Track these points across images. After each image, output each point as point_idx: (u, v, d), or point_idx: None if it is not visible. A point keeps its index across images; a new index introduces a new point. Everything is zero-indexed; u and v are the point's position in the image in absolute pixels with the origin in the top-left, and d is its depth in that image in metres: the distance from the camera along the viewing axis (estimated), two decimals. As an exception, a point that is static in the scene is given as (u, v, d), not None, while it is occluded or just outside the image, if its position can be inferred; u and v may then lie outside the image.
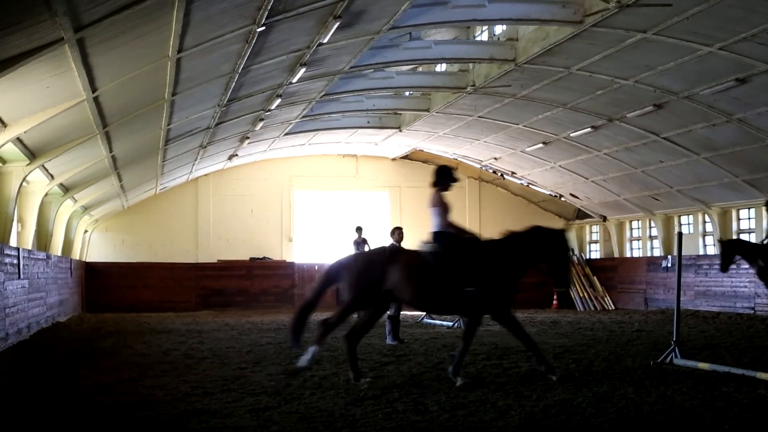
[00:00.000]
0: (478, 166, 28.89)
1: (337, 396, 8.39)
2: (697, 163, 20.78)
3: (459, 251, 9.35)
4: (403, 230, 15.52)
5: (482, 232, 33.18)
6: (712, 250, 23.95)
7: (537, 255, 9.55)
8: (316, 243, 29.67)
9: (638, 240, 28.07)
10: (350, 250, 22.91)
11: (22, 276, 14.58)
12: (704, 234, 24.62)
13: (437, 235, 9.56)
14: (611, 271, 28.30)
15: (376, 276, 9.26)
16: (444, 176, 9.80)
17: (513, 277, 9.52)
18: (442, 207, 9.62)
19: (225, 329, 17.93)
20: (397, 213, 29.61)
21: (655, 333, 16.20)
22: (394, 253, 9.60)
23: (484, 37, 20.30)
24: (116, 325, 19.40)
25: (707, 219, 24.16)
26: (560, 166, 25.41)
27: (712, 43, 14.28)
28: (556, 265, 9.56)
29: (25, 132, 12.02)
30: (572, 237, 29.23)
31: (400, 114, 24.44)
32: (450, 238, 9.51)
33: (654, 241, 27.01)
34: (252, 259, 28.48)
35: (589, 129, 20.96)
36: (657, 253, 26.60)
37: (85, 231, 26.61)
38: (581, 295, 28.08)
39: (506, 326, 9.49)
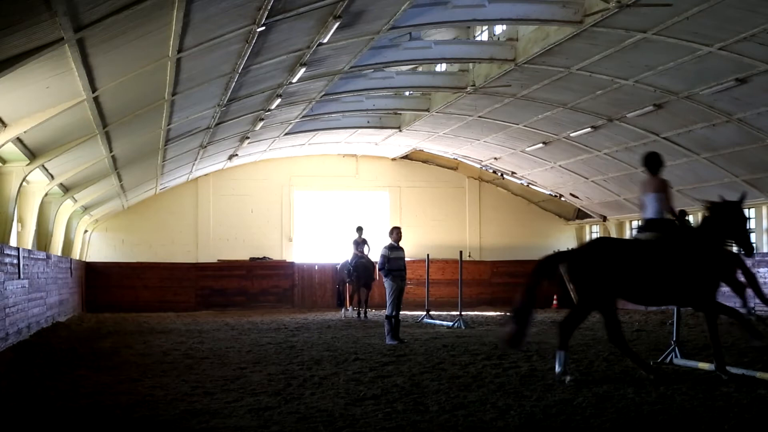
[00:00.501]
0: (478, 166, 28.90)
1: (337, 396, 8.39)
2: (697, 163, 20.78)
3: (677, 239, 9.50)
4: (401, 230, 15.54)
5: (482, 232, 32.82)
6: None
7: (727, 233, 9.78)
8: (316, 243, 29.67)
9: (638, 240, 28.03)
10: (350, 250, 22.96)
11: (22, 276, 14.58)
12: (704, 234, 24.61)
13: (653, 223, 9.68)
14: (611, 271, 28.25)
15: (610, 268, 9.27)
16: (658, 161, 9.99)
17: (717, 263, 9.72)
18: (664, 192, 9.76)
19: (225, 329, 17.94)
20: (396, 213, 29.60)
21: (655, 333, 16.21)
22: (615, 244, 9.64)
23: (484, 37, 20.30)
24: (116, 325, 19.41)
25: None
26: (560, 166, 25.41)
27: (712, 43, 14.28)
28: (741, 236, 9.79)
29: (25, 132, 12.02)
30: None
31: (400, 114, 24.43)
32: (667, 224, 9.67)
33: (654, 241, 26.98)
34: (252, 259, 28.48)
35: (589, 129, 20.96)
36: (657, 253, 26.55)
37: (85, 231, 26.60)
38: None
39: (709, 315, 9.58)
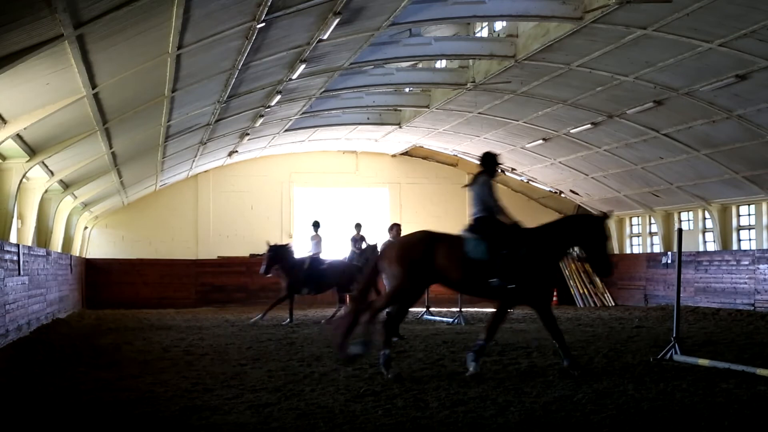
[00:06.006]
0: (478, 162, 28.84)
1: (337, 392, 8.39)
2: (697, 159, 20.78)
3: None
4: (401, 226, 15.51)
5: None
6: (712, 246, 23.96)
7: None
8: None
9: (638, 236, 28.07)
10: (348, 247, 22.91)
11: (22, 272, 14.59)
12: (704, 230, 24.63)
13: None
14: (611, 267, 28.27)
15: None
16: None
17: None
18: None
19: (225, 326, 17.95)
20: (396, 209, 29.59)
21: (655, 329, 16.22)
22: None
23: (484, 33, 20.28)
24: (116, 322, 19.41)
25: (707, 215, 24.16)
26: (560, 162, 25.41)
27: (712, 39, 14.28)
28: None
29: (25, 128, 12.02)
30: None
31: (400, 110, 24.42)
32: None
33: (654, 237, 27.01)
34: (252, 256, 28.46)
35: (589, 125, 20.95)
36: (657, 249, 26.60)
37: (85, 227, 26.61)
38: (581, 291, 28.09)
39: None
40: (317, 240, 19.86)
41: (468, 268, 9.45)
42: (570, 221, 10.13)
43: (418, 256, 9.51)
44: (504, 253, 9.38)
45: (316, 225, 20.22)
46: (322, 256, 19.68)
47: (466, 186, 10.19)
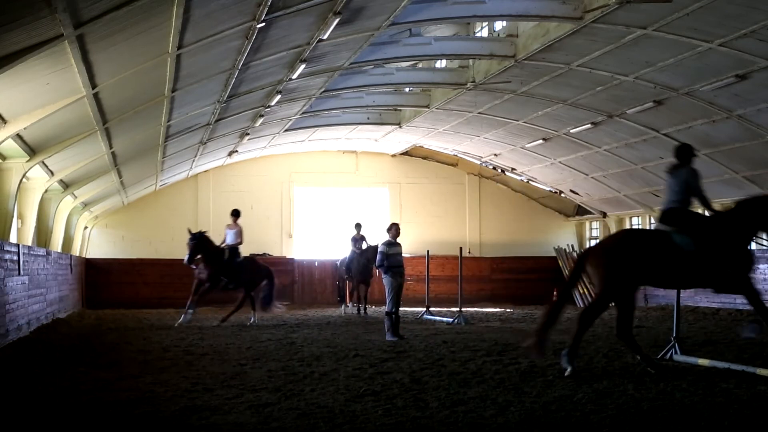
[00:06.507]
0: (478, 162, 28.88)
1: (337, 392, 8.40)
2: (696, 159, 20.73)
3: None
4: (400, 226, 15.51)
5: (482, 228, 32.75)
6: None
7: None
8: (316, 239, 29.66)
9: (638, 236, 28.01)
10: (348, 247, 22.93)
11: (22, 272, 14.58)
12: (704, 230, 24.60)
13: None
14: (611, 267, 28.26)
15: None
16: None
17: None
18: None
19: (225, 326, 17.94)
20: (396, 209, 29.59)
21: (655, 329, 16.22)
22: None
23: (484, 33, 20.28)
24: (116, 322, 19.42)
25: (707, 215, 24.12)
26: (560, 162, 25.41)
27: (712, 39, 14.28)
28: None
29: (25, 128, 12.02)
30: None
31: (400, 110, 24.42)
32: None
33: (654, 237, 26.96)
34: (252, 255, 28.40)
35: (589, 125, 20.94)
36: (657, 249, 26.53)
37: (85, 227, 26.60)
38: (581, 291, 28.04)
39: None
40: (236, 230, 18.99)
41: (678, 262, 9.54)
42: (755, 204, 10.18)
43: (625, 257, 9.52)
44: (714, 242, 9.57)
45: (235, 213, 19.31)
46: (240, 248, 19.03)
47: (667, 172, 10.28)
